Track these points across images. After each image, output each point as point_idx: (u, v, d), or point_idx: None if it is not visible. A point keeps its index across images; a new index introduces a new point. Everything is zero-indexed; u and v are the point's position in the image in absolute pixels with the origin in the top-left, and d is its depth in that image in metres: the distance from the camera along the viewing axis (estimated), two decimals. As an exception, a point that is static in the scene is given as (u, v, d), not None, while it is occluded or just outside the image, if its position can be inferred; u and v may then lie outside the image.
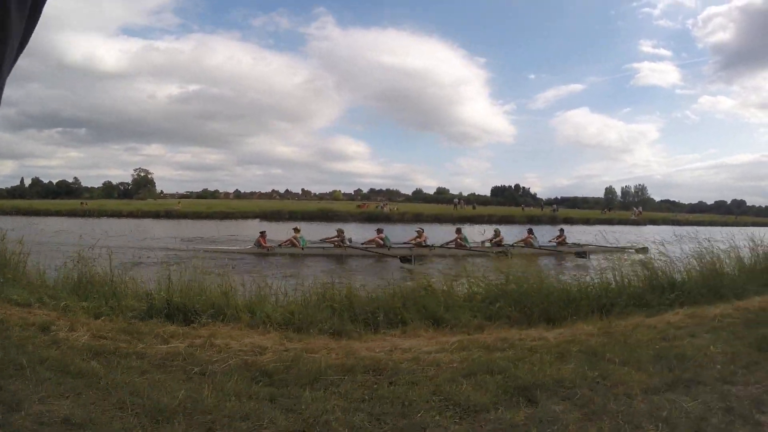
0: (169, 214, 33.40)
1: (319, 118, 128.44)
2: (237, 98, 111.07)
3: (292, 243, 12.98)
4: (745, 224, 40.00)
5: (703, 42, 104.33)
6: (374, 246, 13.05)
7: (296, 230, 13.53)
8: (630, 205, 78.72)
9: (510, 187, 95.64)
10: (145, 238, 15.15)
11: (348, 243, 13.29)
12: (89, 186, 79.20)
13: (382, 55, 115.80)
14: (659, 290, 5.08)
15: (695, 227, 11.88)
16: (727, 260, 6.12)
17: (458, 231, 13.91)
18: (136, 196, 71.69)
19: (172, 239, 13.78)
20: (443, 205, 48.22)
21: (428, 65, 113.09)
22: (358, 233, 17.51)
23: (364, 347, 3.26)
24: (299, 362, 2.79)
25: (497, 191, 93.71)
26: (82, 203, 38.08)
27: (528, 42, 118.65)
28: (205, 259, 6.08)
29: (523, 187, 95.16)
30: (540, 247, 14.30)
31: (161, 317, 3.93)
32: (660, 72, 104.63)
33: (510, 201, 79.85)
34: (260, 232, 13.60)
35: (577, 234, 19.29)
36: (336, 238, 13.33)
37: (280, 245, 13.02)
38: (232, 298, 4.24)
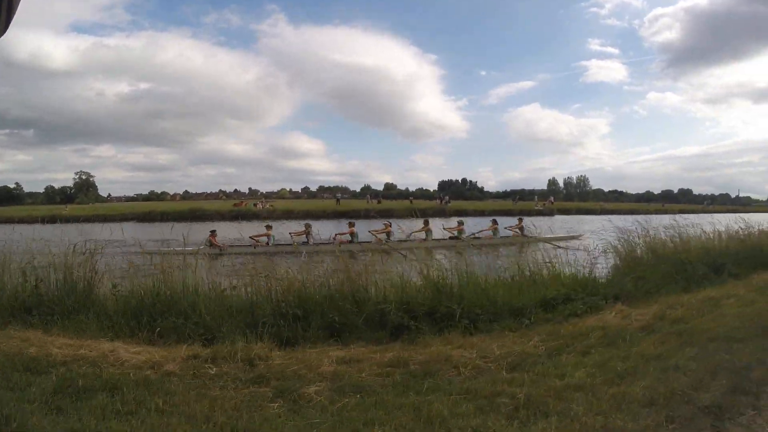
0: (54, 219, 33.76)
1: (272, 116, 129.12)
2: (188, 96, 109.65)
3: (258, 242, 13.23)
4: (672, 212, 41.17)
5: (649, 41, 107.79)
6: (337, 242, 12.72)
7: (268, 227, 13.77)
8: (573, 196, 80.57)
9: (457, 181, 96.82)
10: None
11: (314, 239, 13.06)
12: (33, 191, 77.83)
13: (334, 53, 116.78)
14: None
15: (615, 216, 12.08)
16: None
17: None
18: (77, 200, 71.21)
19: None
20: (327, 200, 48.88)
21: (380, 62, 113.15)
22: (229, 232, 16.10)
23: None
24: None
25: (444, 185, 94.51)
26: (-23, 210, 38.32)
27: (478, 40, 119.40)
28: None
29: (470, 181, 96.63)
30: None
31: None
32: (608, 69, 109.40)
33: (457, 195, 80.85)
34: (210, 231, 13.33)
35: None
36: (303, 233, 13.54)
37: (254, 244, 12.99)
38: None
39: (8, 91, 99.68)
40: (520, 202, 47.44)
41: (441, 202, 39.11)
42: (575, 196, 78.00)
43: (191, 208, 32.35)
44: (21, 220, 35.51)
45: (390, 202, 44.80)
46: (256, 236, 13.64)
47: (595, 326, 4.07)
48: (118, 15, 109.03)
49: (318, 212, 31.73)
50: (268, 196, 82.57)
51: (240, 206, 34.75)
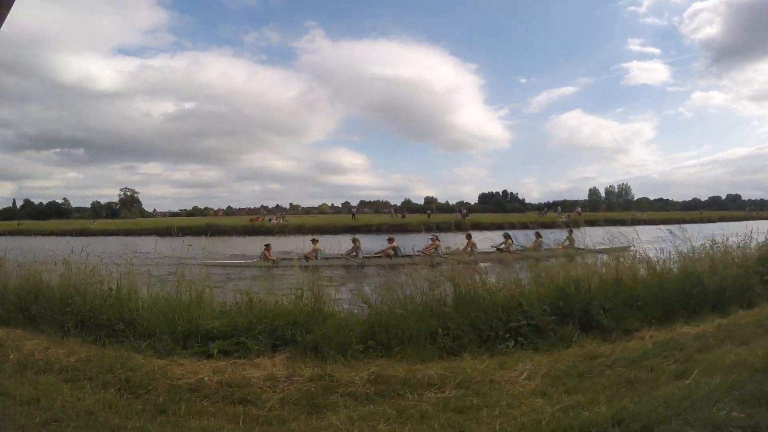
0: (83, 232, 35.60)
1: (315, 132, 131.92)
2: (231, 114, 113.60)
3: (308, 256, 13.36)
4: (711, 220, 38.47)
5: (690, 38, 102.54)
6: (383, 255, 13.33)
7: (314, 241, 13.95)
8: (615, 206, 76.87)
9: (498, 193, 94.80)
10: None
11: (362, 254, 13.65)
12: (80, 206, 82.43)
13: (373, 66, 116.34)
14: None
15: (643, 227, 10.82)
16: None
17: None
18: (121, 215, 75.17)
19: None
20: (342, 215, 48.62)
21: (420, 74, 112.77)
22: (239, 246, 18.43)
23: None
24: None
25: (485, 198, 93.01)
26: (18, 224, 41.04)
27: (516, 47, 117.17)
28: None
29: (511, 193, 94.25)
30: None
31: None
32: (650, 71, 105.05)
33: (497, 208, 79.27)
34: (265, 245, 13.88)
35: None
36: (354, 248, 13.85)
37: (300, 257, 13.07)
38: None
39: (59, 113, 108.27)
40: (549, 213, 45.52)
41: (460, 215, 38.22)
42: (617, 206, 74.28)
43: (207, 224, 33.03)
44: (52, 233, 38.03)
45: (415, 216, 44.30)
46: (304, 252, 13.84)
47: (168, 376, 3.59)
48: (162, 37, 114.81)
49: (329, 228, 31.64)
50: (310, 210, 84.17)
51: (255, 222, 35.40)
